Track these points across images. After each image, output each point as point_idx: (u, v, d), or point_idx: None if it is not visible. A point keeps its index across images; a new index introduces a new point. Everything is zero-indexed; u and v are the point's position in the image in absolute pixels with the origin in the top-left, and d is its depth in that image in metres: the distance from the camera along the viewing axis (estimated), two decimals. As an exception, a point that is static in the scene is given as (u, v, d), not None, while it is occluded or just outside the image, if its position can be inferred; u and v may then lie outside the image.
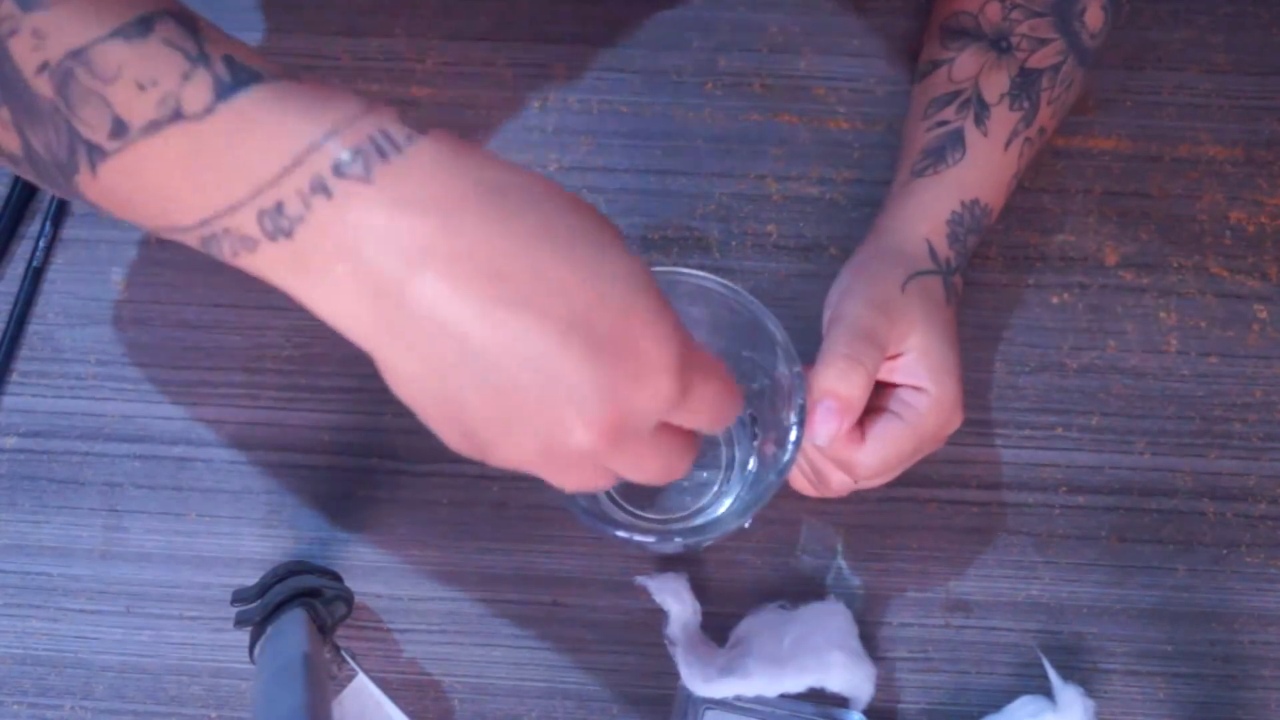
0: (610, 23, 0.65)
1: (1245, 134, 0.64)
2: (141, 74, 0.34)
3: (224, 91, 0.34)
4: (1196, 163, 0.63)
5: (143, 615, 0.57)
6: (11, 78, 0.35)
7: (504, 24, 0.65)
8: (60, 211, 0.62)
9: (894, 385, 0.52)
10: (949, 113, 0.57)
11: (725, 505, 0.56)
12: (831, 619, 0.54)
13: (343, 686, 0.54)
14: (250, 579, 0.54)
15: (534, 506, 0.58)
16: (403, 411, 0.59)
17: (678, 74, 0.65)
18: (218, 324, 0.61)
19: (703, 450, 0.58)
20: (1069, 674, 0.54)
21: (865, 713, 0.54)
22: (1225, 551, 0.58)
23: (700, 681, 0.52)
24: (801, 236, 0.62)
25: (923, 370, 0.51)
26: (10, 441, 0.59)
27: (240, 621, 0.52)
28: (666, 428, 0.37)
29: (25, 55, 0.35)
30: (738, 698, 0.53)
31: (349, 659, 0.54)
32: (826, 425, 0.49)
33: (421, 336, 0.34)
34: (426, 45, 0.65)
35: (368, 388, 0.60)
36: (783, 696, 0.53)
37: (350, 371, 0.60)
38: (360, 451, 0.59)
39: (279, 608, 0.52)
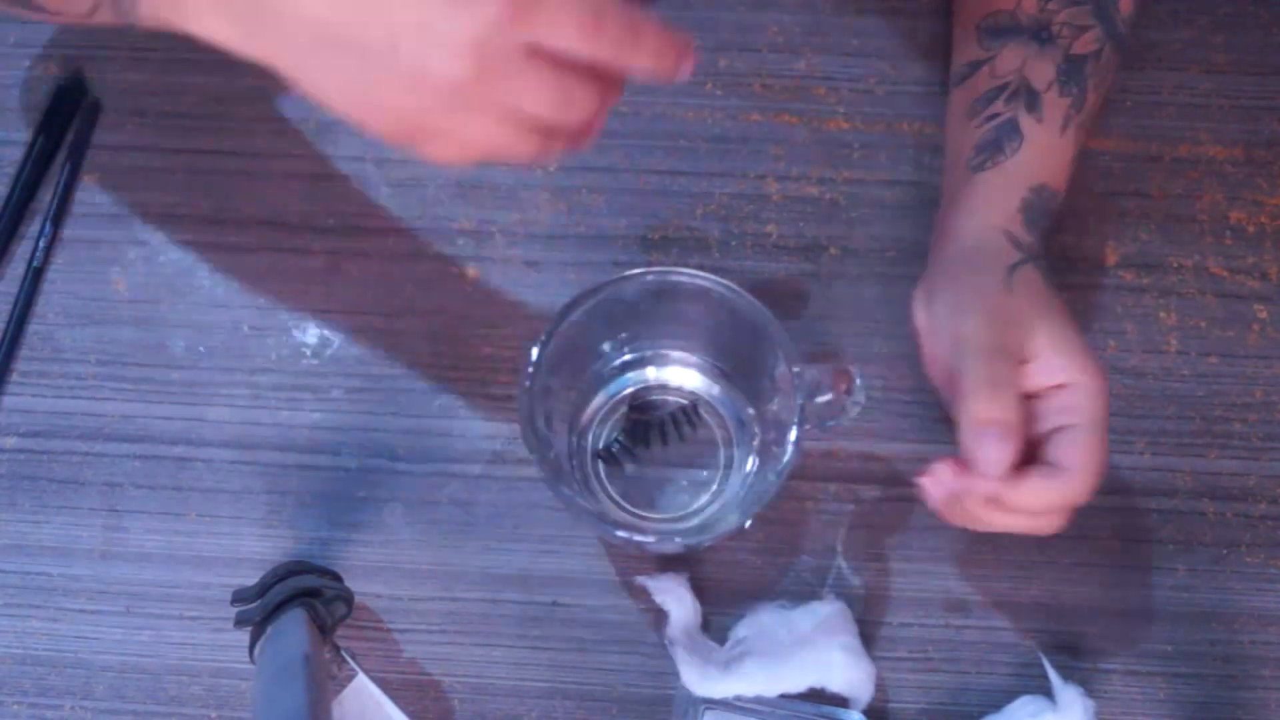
0: (610, 23, 0.65)
1: (1245, 134, 0.64)
2: None
3: None
4: (1196, 163, 0.63)
5: (143, 615, 0.57)
6: None
7: (504, 24, 0.65)
8: (60, 211, 0.62)
9: (1038, 396, 0.50)
10: (998, 105, 0.56)
11: (725, 505, 0.56)
12: (831, 619, 0.54)
13: (343, 686, 0.54)
14: (250, 579, 0.54)
15: (534, 506, 0.58)
16: (402, 411, 0.59)
17: (678, 74, 0.65)
18: (218, 324, 0.61)
19: (703, 450, 0.58)
20: (1069, 674, 0.54)
21: (865, 713, 0.54)
22: (1225, 551, 0.58)
23: (700, 681, 0.52)
24: (801, 236, 0.62)
25: (1060, 361, 0.50)
26: (10, 441, 0.60)
27: (240, 621, 0.52)
28: (542, 55, 0.40)
29: None
30: (738, 698, 0.53)
31: (349, 659, 0.54)
32: (994, 450, 0.47)
33: (275, 29, 0.40)
34: (426, 45, 0.65)
35: (368, 388, 0.60)
36: (783, 696, 0.53)
37: (350, 371, 0.60)
38: (360, 451, 0.59)
39: (279, 608, 0.52)
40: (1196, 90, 0.64)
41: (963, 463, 0.48)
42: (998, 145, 0.55)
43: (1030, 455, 0.49)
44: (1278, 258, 0.62)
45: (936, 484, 0.49)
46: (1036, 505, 0.49)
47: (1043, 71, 0.56)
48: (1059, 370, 0.49)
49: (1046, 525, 0.50)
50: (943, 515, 0.51)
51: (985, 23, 0.59)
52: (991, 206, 0.54)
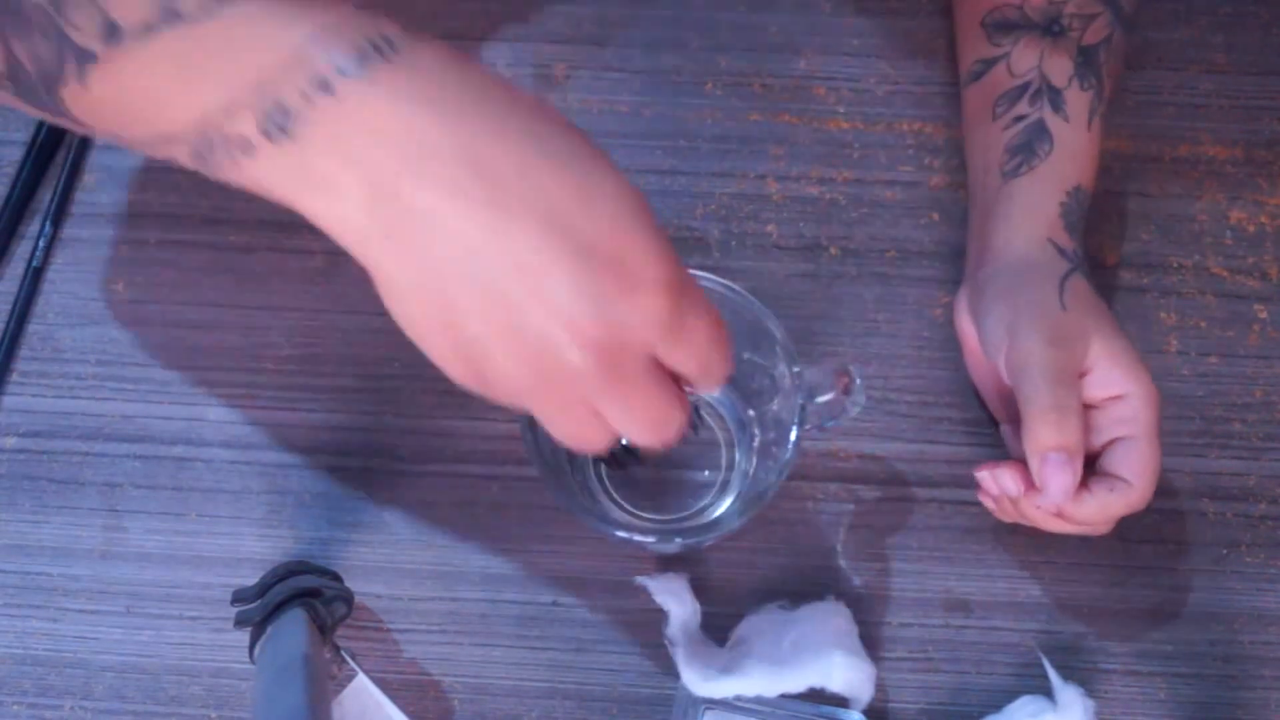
0: (610, 23, 0.65)
1: (1245, 134, 0.64)
2: None
3: None
4: (1196, 163, 0.63)
5: (143, 615, 0.57)
6: None
7: (504, 24, 0.65)
8: (60, 211, 0.62)
9: (1095, 407, 0.52)
10: (1022, 106, 0.56)
11: (725, 505, 0.56)
12: (831, 619, 0.54)
13: (343, 686, 0.54)
14: (250, 579, 0.54)
15: (534, 506, 0.58)
16: (402, 411, 0.59)
17: (678, 74, 0.65)
18: (218, 324, 0.61)
19: (703, 450, 0.58)
20: (1069, 674, 0.54)
21: (865, 713, 0.54)
22: (1225, 551, 0.58)
23: (700, 681, 0.52)
24: (801, 236, 0.62)
25: (1116, 373, 0.51)
26: (10, 441, 0.59)
27: (240, 621, 0.52)
28: (659, 370, 0.37)
29: None
30: (738, 698, 0.53)
31: (349, 659, 0.54)
32: (1062, 478, 0.49)
33: (418, 236, 0.34)
34: (426, 45, 0.65)
35: (368, 388, 0.60)
36: (783, 696, 0.53)
37: (350, 372, 0.60)
38: (360, 451, 0.59)
39: (279, 608, 0.52)
40: (1196, 90, 0.64)
41: (1025, 472, 0.50)
42: (1029, 149, 0.56)
43: (1087, 462, 0.51)
44: (1278, 258, 0.62)
45: (996, 485, 0.52)
46: (1098, 518, 0.51)
47: (1060, 66, 0.56)
48: (1115, 383, 0.51)
49: (1101, 530, 0.52)
50: (993, 511, 0.54)
51: (991, 18, 0.59)
52: (1032, 215, 0.55)
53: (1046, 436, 0.49)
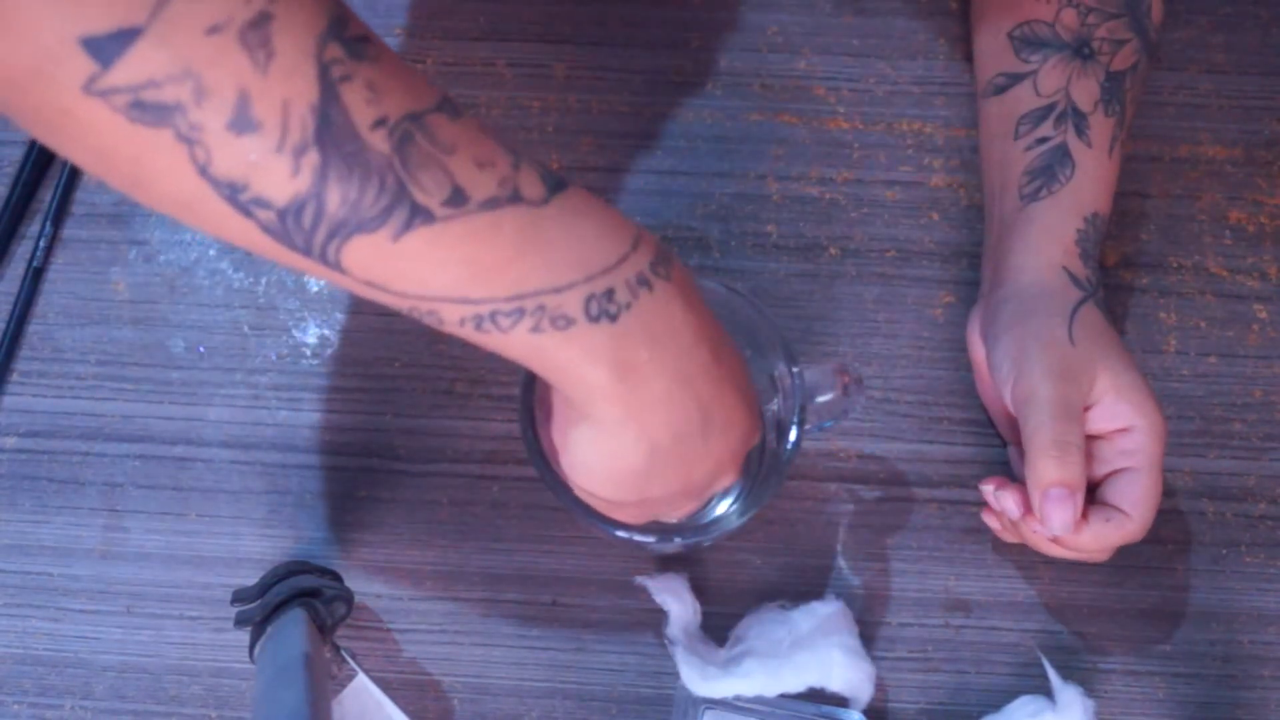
0: (610, 23, 0.65)
1: (1245, 134, 0.64)
2: (478, 154, 0.36)
3: (552, 187, 0.38)
4: (1196, 163, 0.63)
5: (143, 615, 0.57)
6: (339, 125, 0.34)
7: (504, 24, 0.65)
8: (60, 211, 0.62)
9: (1100, 438, 0.52)
10: (1046, 128, 0.57)
11: (725, 505, 0.56)
12: (831, 619, 0.54)
13: (343, 686, 0.54)
14: (250, 579, 0.54)
15: (534, 506, 0.58)
16: (402, 411, 0.59)
17: (678, 74, 0.65)
18: (218, 324, 0.61)
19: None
20: (1069, 674, 0.54)
21: (865, 713, 0.54)
22: (1225, 551, 0.58)
23: (700, 681, 0.52)
24: (801, 236, 0.62)
25: (1123, 407, 0.52)
26: (10, 441, 0.60)
27: (240, 621, 0.52)
28: None
29: (360, 105, 0.34)
30: (737, 697, 0.53)
31: (349, 659, 0.54)
32: (1063, 513, 0.50)
33: (686, 407, 0.41)
34: (426, 45, 0.65)
35: (368, 388, 0.60)
36: (783, 696, 0.53)
37: (350, 371, 0.60)
38: (360, 451, 0.59)
39: (279, 608, 0.52)
40: (1196, 90, 0.64)
41: (1026, 494, 0.51)
42: (1050, 173, 0.56)
43: (1088, 490, 0.51)
44: (1278, 258, 0.62)
45: (997, 503, 0.53)
46: (1095, 547, 0.52)
47: (1088, 91, 0.57)
48: (1122, 416, 0.52)
49: (1099, 558, 0.53)
50: (998, 533, 0.56)
51: (1020, 32, 0.58)
52: (1049, 240, 0.55)
53: (1048, 472, 0.50)
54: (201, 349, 0.61)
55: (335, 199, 0.34)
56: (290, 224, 0.35)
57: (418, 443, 0.59)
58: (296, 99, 0.33)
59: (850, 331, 0.61)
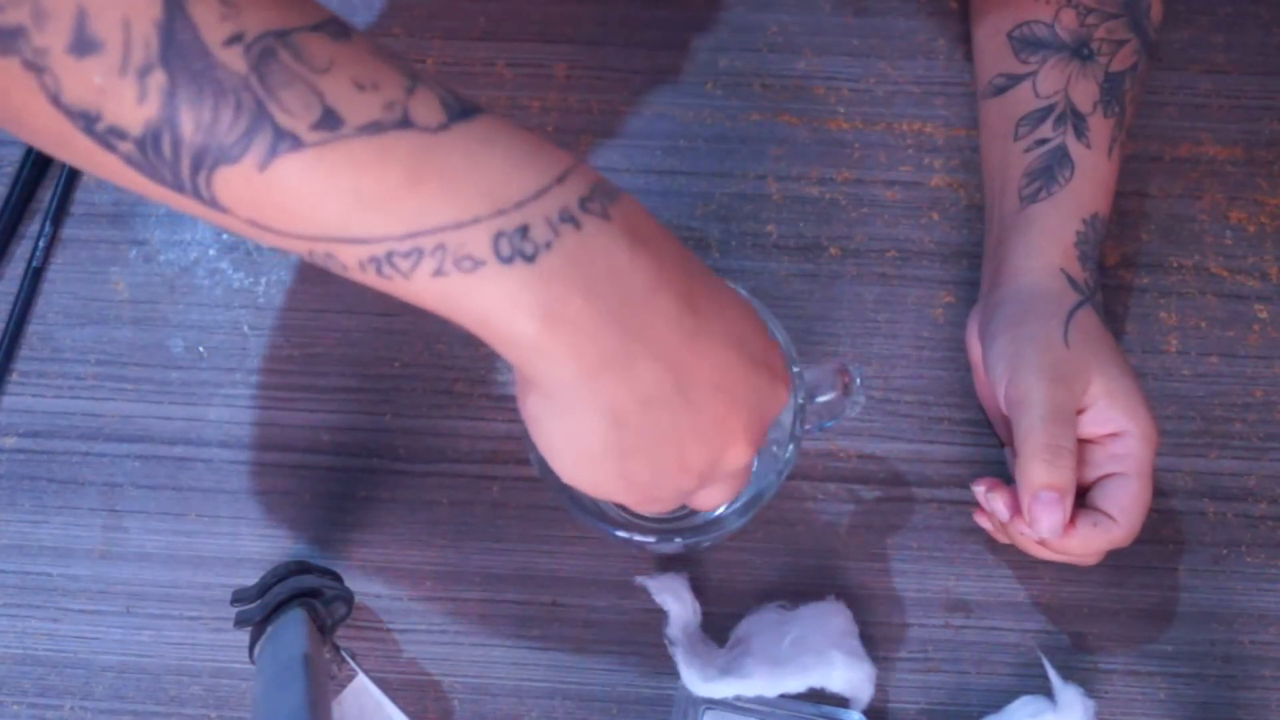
0: (609, 22, 0.65)
1: (1245, 134, 0.64)
2: (359, 75, 0.33)
3: (454, 114, 0.34)
4: (1196, 163, 0.63)
5: (143, 615, 0.57)
6: (186, 42, 0.31)
7: (504, 24, 0.65)
8: (60, 211, 0.62)
9: (1091, 442, 0.52)
10: (1045, 129, 0.56)
11: (725, 505, 0.56)
12: (831, 619, 0.54)
13: (343, 686, 0.54)
14: (250, 579, 0.54)
15: (534, 506, 0.58)
16: (402, 411, 0.59)
17: (678, 74, 0.65)
18: (218, 324, 0.61)
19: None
20: (1069, 674, 0.54)
21: (865, 713, 0.54)
22: (1225, 551, 0.58)
23: (700, 681, 0.52)
24: (801, 236, 0.62)
25: (1115, 412, 0.52)
26: (10, 441, 0.60)
27: (240, 621, 0.52)
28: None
29: (210, 21, 0.31)
30: (738, 698, 0.53)
31: (349, 659, 0.54)
32: (1052, 517, 0.50)
33: (639, 362, 0.36)
34: (426, 45, 0.65)
35: (368, 388, 0.60)
36: (783, 696, 0.53)
37: (350, 371, 0.60)
38: (360, 451, 0.59)
39: (279, 608, 0.52)
40: (1196, 90, 0.64)
41: (1016, 496, 0.51)
42: (1050, 174, 0.56)
43: (1078, 494, 0.51)
44: (1278, 258, 0.62)
45: (987, 504, 0.53)
46: (1082, 551, 0.52)
47: (1087, 92, 0.56)
48: (1113, 421, 0.52)
49: (1088, 561, 0.53)
50: (991, 533, 0.56)
51: (1019, 32, 0.58)
52: (1048, 243, 0.55)
53: (1038, 475, 0.50)
54: (201, 349, 0.61)
55: (189, 124, 0.32)
56: (151, 155, 0.32)
57: (418, 443, 0.59)
58: (138, 16, 0.31)
59: (850, 331, 0.61)
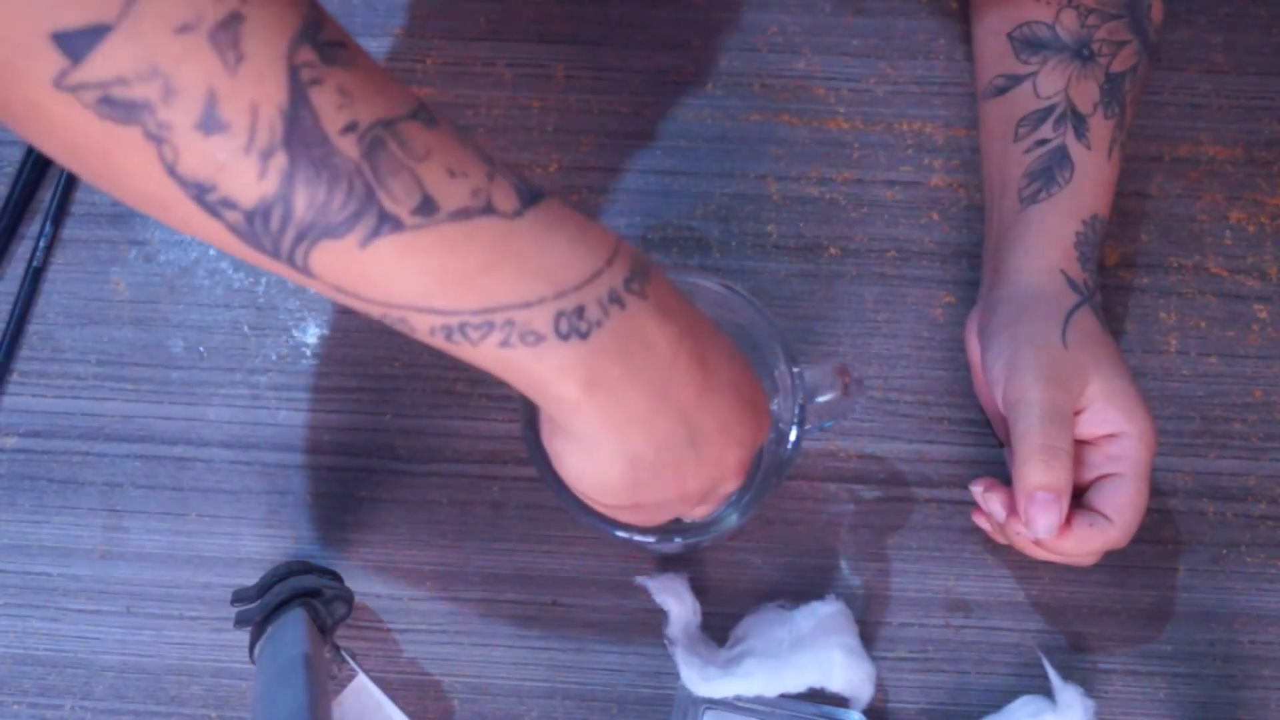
0: (610, 23, 0.65)
1: (1245, 134, 0.64)
2: (451, 163, 0.36)
3: (526, 199, 0.37)
4: (1196, 163, 0.63)
5: (143, 615, 0.57)
6: (308, 129, 0.34)
7: (504, 24, 0.65)
8: (60, 211, 0.62)
9: (1089, 443, 0.52)
10: (1045, 130, 0.56)
11: (725, 505, 0.56)
12: (831, 619, 0.54)
13: (343, 686, 0.54)
14: (250, 579, 0.54)
15: (534, 506, 0.58)
16: (402, 411, 0.59)
17: (678, 74, 0.65)
18: (218, 324, 0.61)
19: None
20: (1069, 674, 0.54)
21: (865, 713, 0.54)
22: (1225, 551, 0.58)
23: (700, 681, 0.52)
24: (801, 236, 0.62)
25: (1113, 413, 0.52)
26: (10, 441, 0.60)
27: (240, 621, 0.52)
28: None
29: (329, 110, 0.34)
30: (738, 698, 0.53)
31: (349, 659, 0.54)
32: (1048, 517, 0.50)
33: (667, 420, 0.41)
34: (426, 45, 0.65)
35: (368, 388, 0.60)
36: (783, 696, 0.53)
37: (350, 371, 0.60)
38: (360, 451, 0.59)
39: (279, 608, 0.52)
40: (1196, 90, 0.64)
41: (1013, 496, 0.51)
42: (1049, 175, 0.56)
43: (1075, 494, 0.51)
44: (1278, 258, 0.62)
45: (984, 504, 0.53)
46: (1078, 552, 0.52)
47: (1087, 93, 0.56)
48: (1111, 422, 0.52)
49: (1084, 562, 0.53)
50: (989, 533, 0.56)
51: (1020, 33, 0.58)
52: (1047, 243, 0.55)
53: (1035, 475, 0.50)
54: (201, 349, 0.61)
55: (303, 203, 0.34)
56: (258, 226, 0.35)
57: (418, 443, 0.59)
58: (265, 101, 0.33)
59: (850, 331, 0.61)
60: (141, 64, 0.32)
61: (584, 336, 0.38)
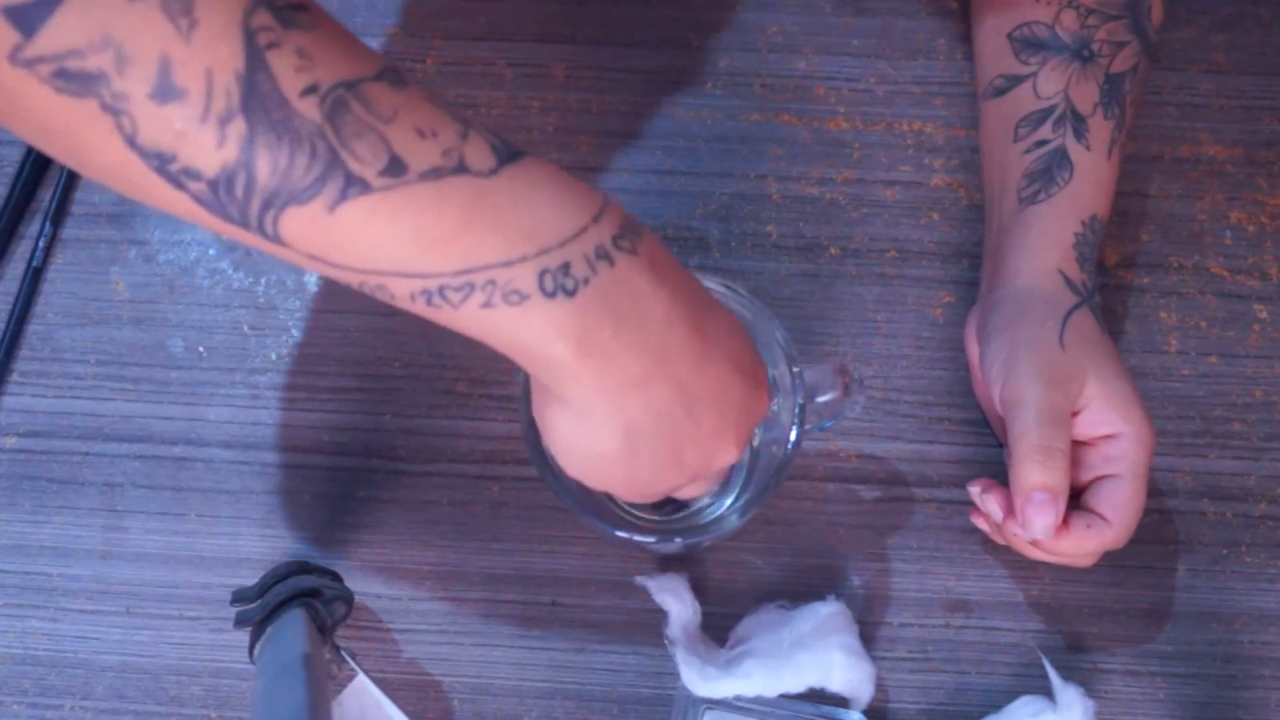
0: (610, 23, 0.65)
1: (1245, 134, 0.64)
2: (420, 123, 0.35)
3: (504, 157, 0.37)
4: (1196, 163, 0.63)
5: (143, 615, 0.57)
6: (266, 92, 0.33)
7: (504, 24, 0.65)
8: (60, 211, 0.62)
9: (1086, 444, 0.52)
10: (1045, 131, 0.56)
11: (725, 505, 0.56)
12: (831, 619, 0.54)
13: (343, 686, 0.54)
14: (250, 579, 0.54)
15: (534, 506, 0.58)
16: (402, 411, 0.59)
17: (678, 74, 0.65)
18: (218, 324, 0.61)
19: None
20: (1069, 674, 0.54)
21: (865, 713, 0.54)
22: (1225, 551, 0.58)
23: (700, 681, 0.52)
24: (801, 236, 0.62)
25: (1110, 414, 0.52)
26: (10, 441, 0.60)
27: (240, 621, 0.52)
28: None
29: (288, 73, 0.33)
30: (738, 698, 0.53)
31: (349, 659, 0.54)
32: (1044, 518, 0.50)
33: (664, 386, 0.40)
34: (426, 45, 0.65)
35: (368, 388, 0.60)
36: (783, 696, 0.53)
37: (350, 371, 0.60)
38: (360, 451, 0.59)
39: (279, 608, 0.52)
40: (1196, 90, 0.64)
41: (1010, 497, 0.51)
42: (1049, 176, 0.56)
43: (1072, 495, 0.51)
44: (1278, 258, 0.62)
45: (983, 505, 0.53)
46: (1075, 553, 0.52)
47: (1087, 93, 0.57)
48: (1108, 423, 0.52)
49: (1082, 563, 0.53)
50: (988, 533, 0.56)
51: (1020, 33, 0.58)
52: (1046, 244, 0.55)
53: (1032, 476, 0.50)
54: (201, 349, 0.61)
55: (265, 168, 0.34)
56: (222, 195, 0.34)
57: (418, 443, 0.59)
58: (220, 67, 0.32)
59: (850, 331, 0.61)
60: (93, 34, 0.31)
61: (570, 294, 0.37)
